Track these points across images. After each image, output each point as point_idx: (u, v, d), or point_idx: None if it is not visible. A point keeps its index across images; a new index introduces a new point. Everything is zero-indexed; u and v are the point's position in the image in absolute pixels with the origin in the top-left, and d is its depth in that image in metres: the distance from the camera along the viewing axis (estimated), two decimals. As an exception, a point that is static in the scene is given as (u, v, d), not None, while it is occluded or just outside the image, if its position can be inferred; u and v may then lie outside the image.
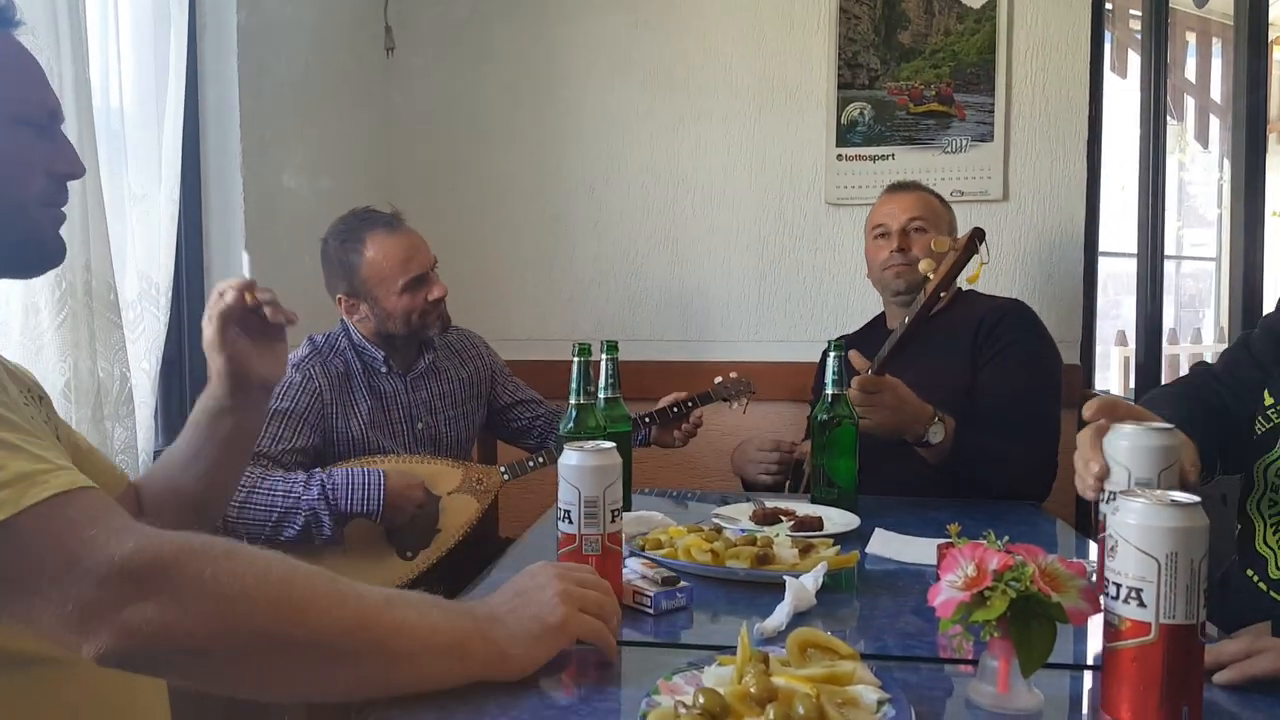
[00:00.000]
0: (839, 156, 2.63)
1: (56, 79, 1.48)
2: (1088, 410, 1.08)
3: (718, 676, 0.79)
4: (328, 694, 0.77)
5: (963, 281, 1.78)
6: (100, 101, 1.68)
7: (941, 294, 1.68)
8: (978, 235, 1.66)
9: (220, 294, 1.07)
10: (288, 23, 2.28)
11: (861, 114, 2.61)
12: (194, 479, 1.13)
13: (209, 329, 1.07)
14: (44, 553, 0.71)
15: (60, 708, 0.87)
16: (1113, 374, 4.82)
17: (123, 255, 1.76)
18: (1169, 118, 2.42)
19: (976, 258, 1.68)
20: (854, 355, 1.65)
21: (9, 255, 0.93)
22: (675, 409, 2.03)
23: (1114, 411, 1.06)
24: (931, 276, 1.68)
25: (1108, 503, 0.95)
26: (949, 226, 2.01)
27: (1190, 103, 5.33)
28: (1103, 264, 2.72)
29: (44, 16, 1.47)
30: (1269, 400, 1.25)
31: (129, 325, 1.73)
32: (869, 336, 2.09)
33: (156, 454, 1.71)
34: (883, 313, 2.12)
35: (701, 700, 0.72)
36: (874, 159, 2.62)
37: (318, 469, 1.77)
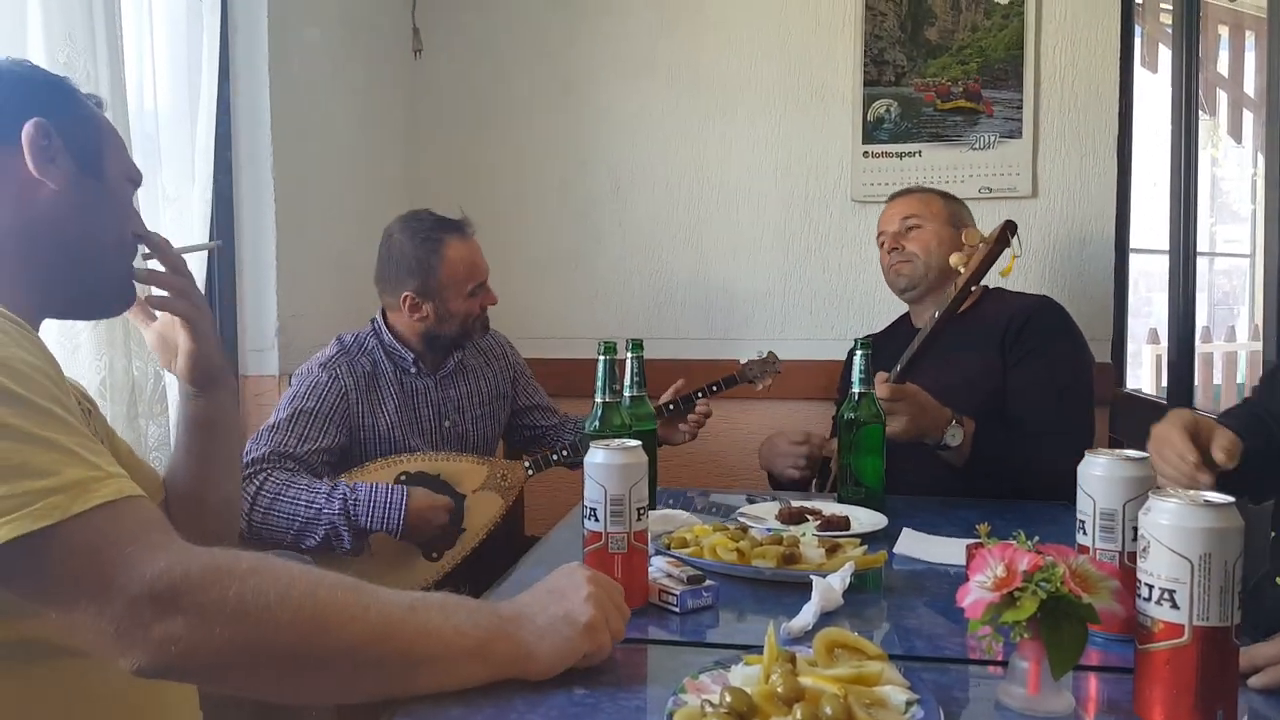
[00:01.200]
0: (865, 154, 2.61)
1: (93, 83, 1.51)
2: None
3: (744, 676, 0.80)
4: (353, 698, 0.80)
5: (995, 275, 1.77)
6: (135, 104, 1.71)
7: (972, 288, 1.66)
8: (1010, 228, 1.65)
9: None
10: (317, 25, 2.30)
11: (888, 111, 2.60)
12: (190, 480, 1.15)
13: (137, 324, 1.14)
14: (85, 565, 0.74)
15: (91, 700, 0.90)
16: (1145, 372, 4.75)
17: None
18: (1201, 112, 2.38)
19: (1009, 250, 1.66)
20: (879, 377, 1.65)
21: (101, 295, 1.04)
22: (696, 395, 2.02)
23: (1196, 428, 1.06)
24: (963, 270, 1.66)
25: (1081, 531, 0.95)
26: (954, 218, 2.01)
27: (1223, 97, 5.24)
28: (1135, 261, 2.68)
29: (81, 21, 1.49)
30: None
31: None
32: (893, 335, 2.09)
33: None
34: (907, 312, 2.12)
35: (729, 699, 0.72)
36: (900, 156, 2.60)
37: (342, 480, 1.78)
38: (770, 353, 2.15)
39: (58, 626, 0.77)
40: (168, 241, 1.10)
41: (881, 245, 2.04)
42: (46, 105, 0.95)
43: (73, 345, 1.53)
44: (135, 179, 1.05)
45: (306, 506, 1.70)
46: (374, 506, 1.71)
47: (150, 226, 1.70)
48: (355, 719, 0.81)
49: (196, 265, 1.87)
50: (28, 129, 0.92)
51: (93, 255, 0.98)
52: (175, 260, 1.10)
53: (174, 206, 1.85)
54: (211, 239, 1.94)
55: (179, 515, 1.13)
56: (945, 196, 2.05)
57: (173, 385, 1.76)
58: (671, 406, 2.01)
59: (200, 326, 1.12)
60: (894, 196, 2.08)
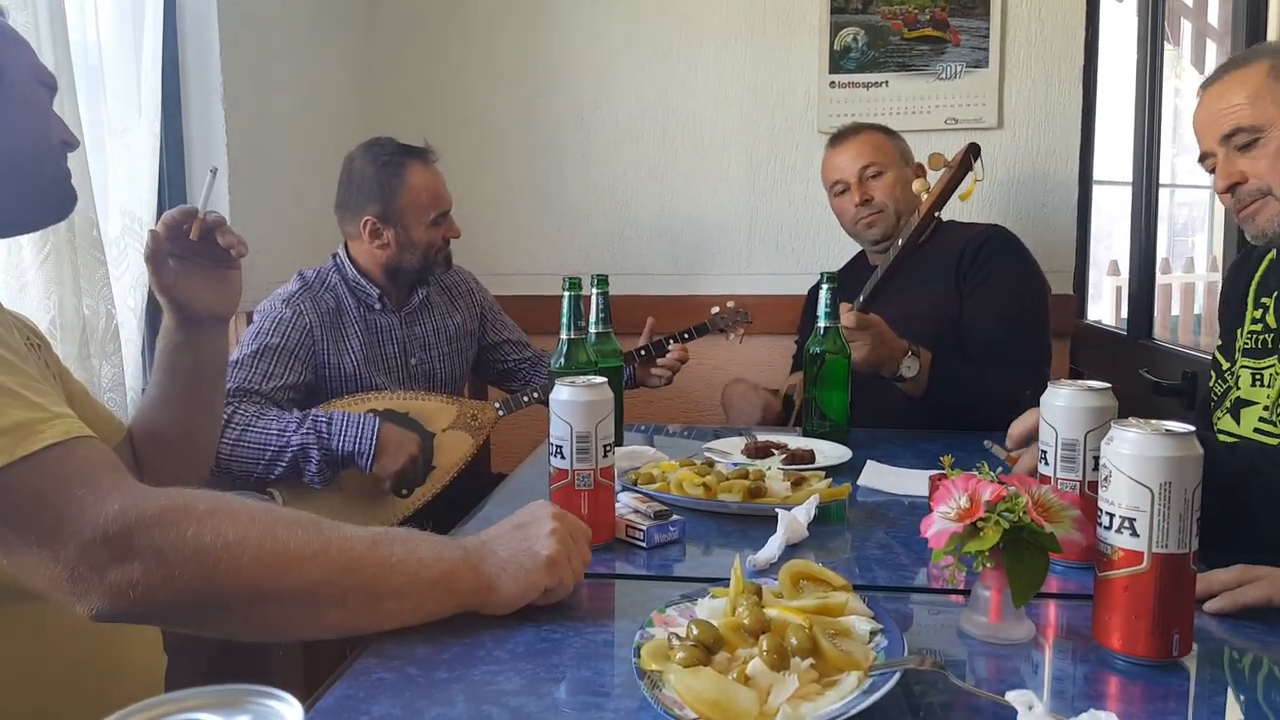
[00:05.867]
0: (832, 84, 2.57)
1: (30, 6, 1.43)
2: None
3: (711, 609, 0.80)
4: (318, 634, 0.79)
5: (955, 201, 1.76)
6: (77, 35, 1.62)
7: (936, 214, 1.66)
8: (973, 151, 1.64)
9: (150, 233, 1.06)
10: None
11: (855, 40, 2.56)
12: (169, 423, 1.13)
13: (148, 270, 1.07)
14: (34, 509, 0.72)
15: (52, 642, 0.89)
16: (1105, 304, 4.82)
17: (104, 191, 1.72)
18: (1166, 42, 2.37)
19: (971, 174, 1.65)
20: (843, 308, 1.65)
21: (35, 202, 0.99)
22: (656, 345, 2.02)
23: None
24: (925, 195, 1.66)
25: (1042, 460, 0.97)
26: (907, 155, 2.00)
27: (1187, 26, 5.22)
28: (1097, 193, 2.69)
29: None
30: (1223, 362, 1.33)
31: (113, 262, 1.70)
32: (851, 272, 2.09)
33: (143, 391, 1.70)
34: (863, 250, 2.12)
35: (695, 632, 0.72)
36: (867, 86, 2.57)
37: (313, 409, 1.76)
38: (738, 303, 2.14)
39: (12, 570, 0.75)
40: (194, 208, 1.06)
41: (840, 193, 2.00)
42: None
43: (20, 285, 1.48)
44: (48, 82, 1.00)
45: (277, 436, 1.69)
46: (346, 429, 1.70)
47: (96, 161, 1.67)
48: (322, 655, 0.80)
49: (148, 206, 1.81)
50: None
51: (12, 164, 0.94)
52: (215, 216, 1.07)
53: (121, 139, 1.77)
54: (161, 173, 1.87)
55: (153, 459, 1.12)
56: (888, 133, 2.01)
57: (126, 324, 1.73)
58: (643, 351, 2.01)
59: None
60: (839, 139, 2.02)
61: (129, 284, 1.77)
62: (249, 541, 0.75)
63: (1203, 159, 1.26)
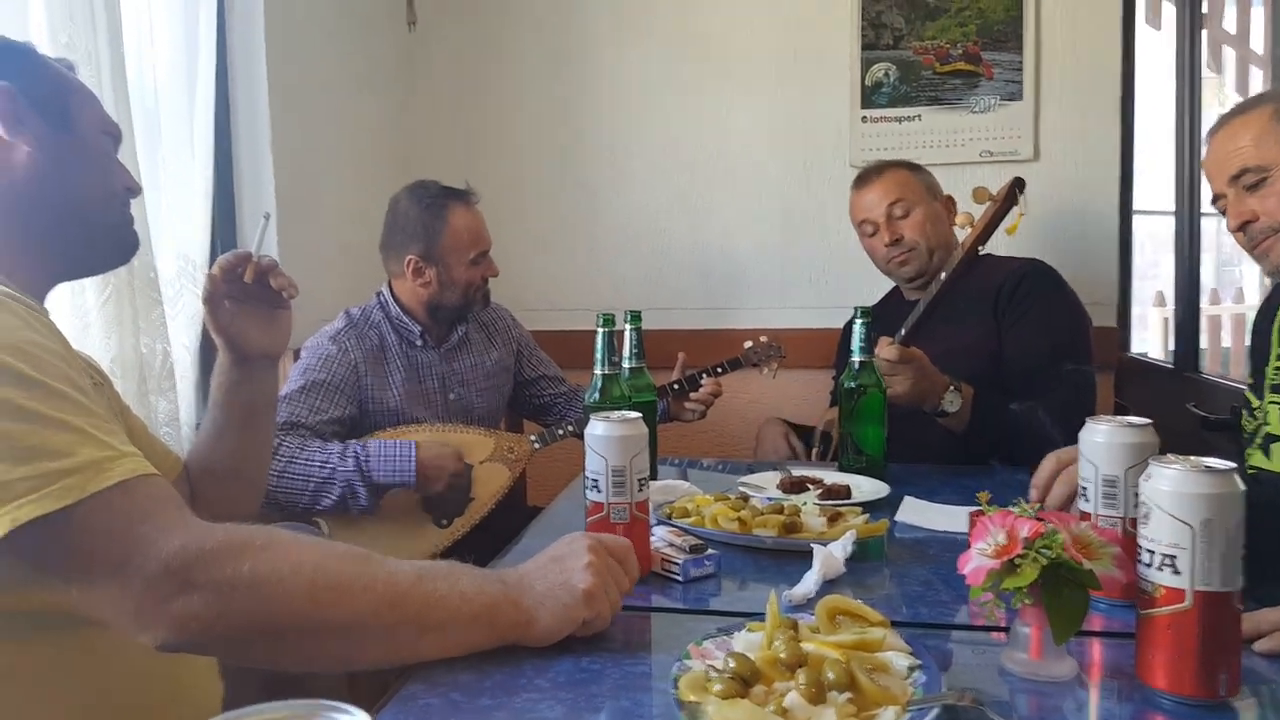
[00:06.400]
0: (864, 119, 2.59)
1: (94, 61, 1.51)
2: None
3: (747, 642, 0.81)
4: (365, 664, 0.82)
5: (1000, 234, 1.75)
6: (135, 85, 1.70)
7: (980, 247, 1.65)
8: (1017, 185, 1.63)
9: (208, 276, 1.11)
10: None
11: (886, 75, 2.58)
12: (223, 457, 1.18)
13: (205, 311, 1.13)
14: (102, 545, 0.76)
15: (118, 669, 0.92)
16: (1152, 335, 4.73)
17: (160, 234, 1.79)
18: (1208, 70, 2.36)
19: (1016, 208, 1.65)
20: (881, 342, 1.65)
21: (102, 248, 1.04)
22: (702, 375, 2.03)
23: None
24: (970, 229, 1.65)
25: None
26: (933, 189, 2.00)
27: (1230, 54, 5.17)
28: (1142, 223, 2.66)
29: (81, 1, 1.49)
30: (1253, 400, 1.33)
31: (168, 302, 1.77)
32: (886, 307, 2.09)
33: (198, 426, 1.75)
34: (897, 285, 2.11)
35: (732, 664, 0.73)
36: (900, 120, 2.58)
37: (353, 440, 1.80)
38: (771, 337, 2.15)
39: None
40: (249, 252, 1.12)
41: (870, 234, 2.00)
42: (8, 69, 0.96)
43: (83, 325, 1.54)
44: (113, 133, 1.06)
45: (320, 467, 1.73)
46: (385, 460, 1.75)
47: (153, 205, 1.73)
48: (365, 684, 0.82)
49: (201, 248, 1.87)
50: None
51: (79, 210, 0.99)
52: (269, 260, 1.13)
53: (175, 184, 1.84)
54: (213, 217, 1.94)
55: (207, 492, 1.16)
56: (913, 168, 2.02)
57: (180, 361, 1.78)
58: (676, 386, 2.02)
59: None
60: (864, 180, 2.02)
61: (184, 323, 1.83)
62: (302, 575, 0.78)
63: (1215, 200, 1.31)
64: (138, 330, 1.62)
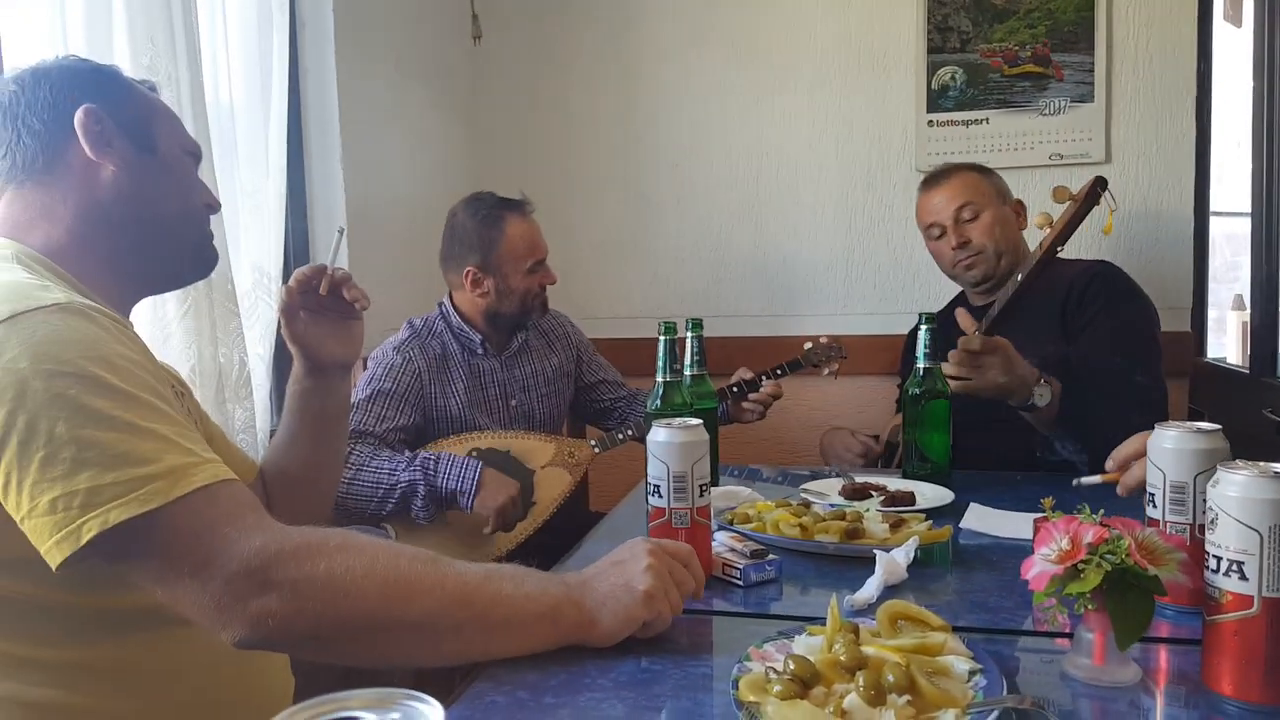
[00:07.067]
0: (930, 123, 2.57)
1: (174, 82, 1.58)
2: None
3: (808, 645, 0.81)
4: (435, 662, 0.85)
5: (1097, 234, 1.71)
6: (212, 100, 1.77)
7: (1059, 248, 1.61)
8: (1099, 184, 1.59)
9: (285, 289, 1.16)
10: (380, 17, 2.36)
11: (953, 78, 2.55)
12: (297, 463, 1.22)
13: (281, 322, 1.17)
14: (186, 546, 0.79)
15: (198, 664, 0.96)
16: (1230, 339, 4.57)
17: (238, 248, 1.86)
18: (1288, 67, 2.27)
19: (1103, 207, 1.60)
20: (961, 314, 1.62)
21: (184, 263, 1.09)
22: (761, 378, 2.04)
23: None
24: (1048, 229, 1.61)
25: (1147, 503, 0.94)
26: (1002, 193, 1.96)
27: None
28: (1221, 225, 2.58)
29: (161, 25, 1.56)
30: None
31: (245, 313, 1.83)
32: (948, 317, 2.05)
33: (272, 433, 1.82)
34: (963, 291, 2.08)
35: (792, 667, 0.74)
36: (967, 124, 2.55)
37: (421, 450, 1.85)
38: (832, 338, 2.13)
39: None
40: (324, 265, 1.17)
41: (937, 236, 1.97)
42: (95, 92, 1.00)
43: (164, 336, 1.61)
44: (194, 152, 1.10)
45: (389, 474, 1.79)
46: (451, 468, 1.79)
47: (230, 220, 1.81)
48: (432, 681, 0.85)
49: (276, 261, 1.94)
50: (79, 116, 0.97)
51: (163, 228, 1.04)
52: (343, 273, 1.17)
53: (251, 199, 1.92)
54: (286, 231, 2.01)
55: (281, 496, 1.21)
56: (983, 171, 1.98)
57: (256, 371, 1.85)
58: (736, 389, 2.03)
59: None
60: (932, 182, 1.99)
61: (259, 334, 1.90)
62: (375, 575, 0.81)
63: None
64: (216, 341, 1.68)
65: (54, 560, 0.78)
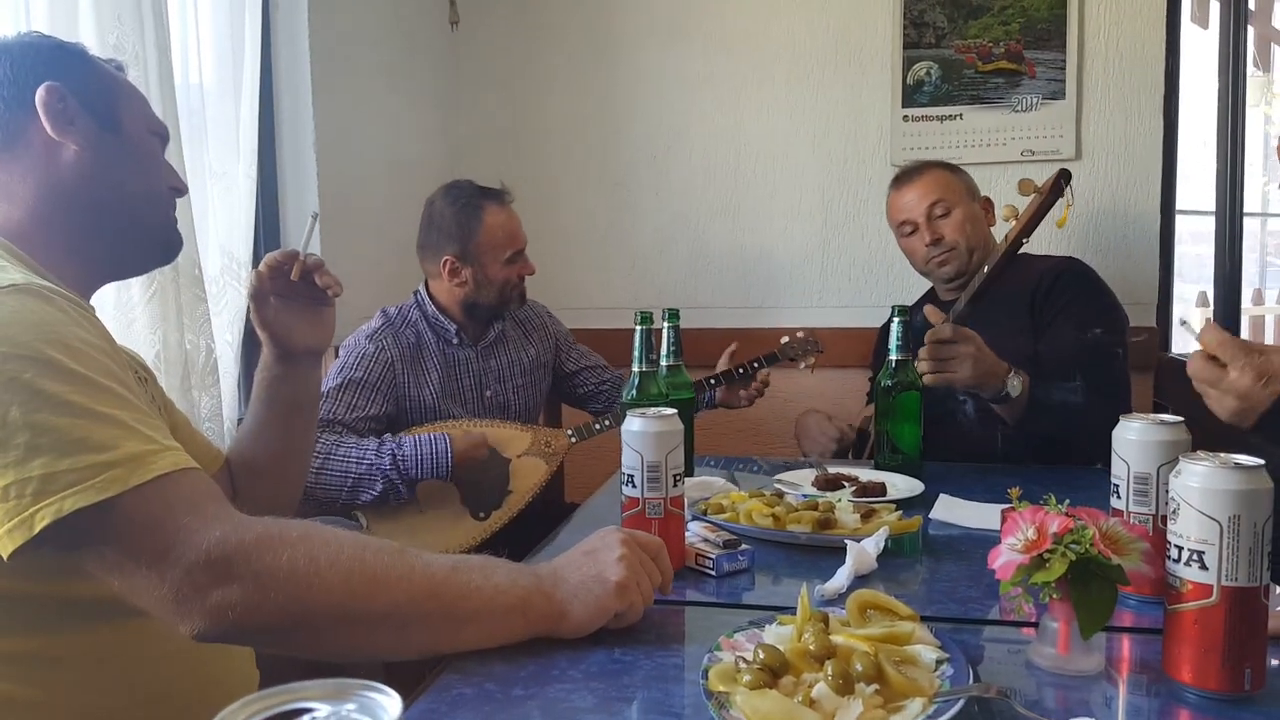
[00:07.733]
0: (905, 118, 2.58)
1: (141, 62, 1.55)
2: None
3: (778, 635, 0.82)
4: (402, 655, 0.83)
5: (1049, 227, 1.73)
6: (181, 84, 1.74)
7: (1024, 240, 1.63)
8: (1063, 177, 1.61)
9: (255, 273, 1.14)
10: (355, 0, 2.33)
11: (928, 74, 2.56)
12: (264, 452, 1.20)
13: (250, 307, 1.15)
14: (143, 536, 0.78)
15: (156, 657, 0.94)
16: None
17: (205, 231, 1.83)
18: (1255, 69, 2.32)
19: (1062, 200, 1.62)
20: (929, 309, 1.64)
21: (147, 247, 1.07)
22: (741, 369, 2.06)
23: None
24: (1014, 222, 1.63)
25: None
26: (973, 190, 1.98)
27: (1278, 52, 5.06)
28: (1187, 223, 2.62)
29: (128, 3, 1.53)
30: None
31: (212, 299, 1.80)
32: (921, 307, 2.07)
33: (239, 421, 1.80)
34: (933, 288, 2.10)
35: (762, 656, 0.74)
36: (941, 119, 2.57)
37: (388, 435, 1.84)
38: (808, 333, 2.15)
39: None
40: (296, 250, 1.15)
41: (909, 234, 1.98)
42: (58, 69, 0.97)
43: (128, 320, 1.58)
44: (160, 133, 1.07)
45: (357, 463, 1.77)
46: (422, 459, 1.79)
47: (198, 203, 1.78)
48: (400, 675, 0.85)
49: (245, 245, 1.92)
50: (40, 93, 0.94)
51: (125, 210, 1.01)
52: (315, 259, 1.15)
53: (220, 183, 1.89)
54: (257, 215, 1.98)
55: (248, 485, 1.19)
56: (953, 169, 2.00)
57: (224, 358, 1.83)
58: (712, 380, 2.05)
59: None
60: (904, 179, 2.00)
61: (227, 320, 1.88)
62: (339, 566, 0.79)
63: None
64: (181, 326, 1.65)
65: (4, 549, 0.76)
